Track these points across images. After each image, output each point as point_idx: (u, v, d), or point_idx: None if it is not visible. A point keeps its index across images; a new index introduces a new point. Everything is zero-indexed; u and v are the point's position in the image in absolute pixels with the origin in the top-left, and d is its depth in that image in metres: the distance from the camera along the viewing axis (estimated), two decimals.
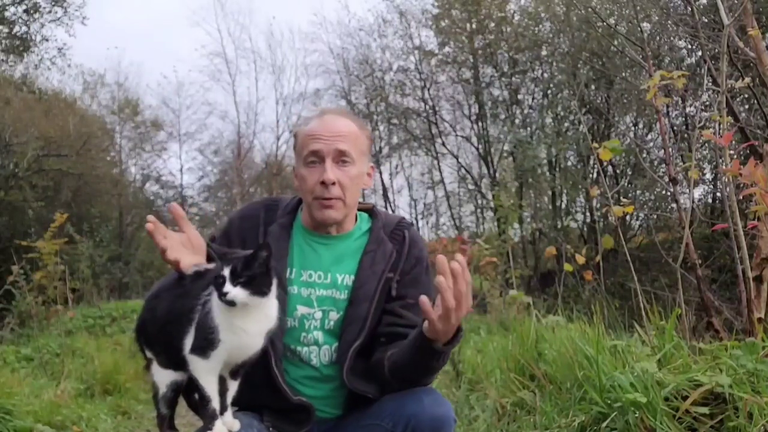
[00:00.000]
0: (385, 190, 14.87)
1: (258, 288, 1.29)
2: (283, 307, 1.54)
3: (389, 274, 1.61)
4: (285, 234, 1.64)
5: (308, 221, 1.66)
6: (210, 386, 1.34)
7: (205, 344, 1.31)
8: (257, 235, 1.62)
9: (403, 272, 1.63)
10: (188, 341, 1.34)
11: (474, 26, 12.90)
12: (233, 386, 1.40)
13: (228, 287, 1.27)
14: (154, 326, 1.43)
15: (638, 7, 7.51)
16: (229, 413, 1.39)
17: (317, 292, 1.61)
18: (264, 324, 1.35)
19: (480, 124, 13.43)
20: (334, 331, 1.60)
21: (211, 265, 1.46)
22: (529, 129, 12.37)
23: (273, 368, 1.52)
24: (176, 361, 1.37)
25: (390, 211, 14.30)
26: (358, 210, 1.73)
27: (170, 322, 1.39)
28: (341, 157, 1.59)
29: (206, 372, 1.33)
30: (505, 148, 13.01)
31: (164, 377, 1.41)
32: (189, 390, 1.41)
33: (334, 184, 1.57)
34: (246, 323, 1.32)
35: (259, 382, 1.49)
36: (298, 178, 1.64)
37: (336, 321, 1.60)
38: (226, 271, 1.28)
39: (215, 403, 1.34)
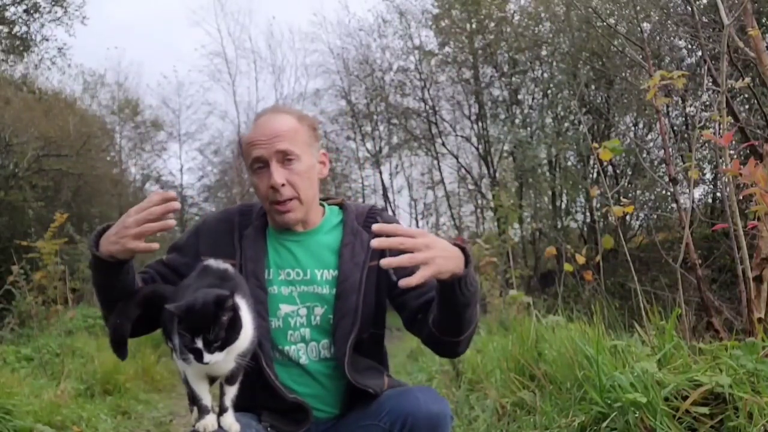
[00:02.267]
0: (385, 190, 14.91)
1: (232, 340, 1.27)
2: (265, 308, 1.55)
3: (371, 263, 1.61)
4: (261, 236, 1.64)
5: (274, 224, 1.67)
6: (199, 388, 1.35)
7: (184, 359, 1.31)
8: (232, 240, 1.63)
9: (392, 255, 1.63)
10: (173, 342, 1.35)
11: (474, 26, 12.92)
12: (231, 390, 1.40)
13: (207, 357, 1.25)
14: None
15: (638, 7, 7.51)
16: (229, 414, 1.39)
17: (298, 289, 1.61)
18: (230, 353, 1.32)
19: (480, 124, 13.45)
20: (322, 326, 1.60)
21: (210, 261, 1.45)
22: (529, 129, 12.38)
23: (264, 369, 1.52)
24: None
25: (390, 211, 14.34)
26: (329, 204, 1.73)
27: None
28: (285, 157, 1.58)
29: (192, 376, 1.35)
30: (505, 148, 13.03)
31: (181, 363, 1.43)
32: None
33: (283, 185, 1.57)
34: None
35: (253, 384, 1.50)
36: (253, 186, 1.64)
37: (322, 316, 1.60)
38: (199, 343, 1.24)
39: (206, 401, 1.35)
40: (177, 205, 1.41)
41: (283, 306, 1.60)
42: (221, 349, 1.25)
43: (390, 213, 1.88)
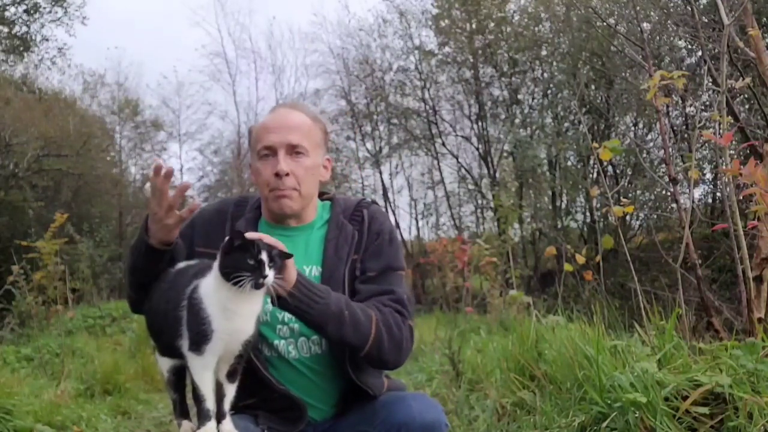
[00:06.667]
0: (385, 190, 14.85)
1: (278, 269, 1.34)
2: None
3: (354, 257, 1.62)
4: (251, 228, 1.64)
5: (268, 215, 1.67)
6: (205, 385, 1.35)
7: (199, 338, 1.32)
8: (224, 230, 1.63)
9: (366, 249, 1.64)
10: (181, 337, 1.36)
11: (474, 26, 12.91)
12: (230, 390, 1.40)
13: (267, 271, 1.30)
14: (152, 318, 1.49)
15: (638, 7, 7.50)
16: (228, 421, 1.38)
17: None
18: (255, 304, 1.38)
19: (480, 124, 13.43)
20: None
21: (192, 262, 1.49)
22: (529, 129, 12.37)
23: (253, 360, 1.52)
24: (170, 351, 1.42)
25: (390, 211, 14.32)
26: (321, 200, 1.74)
27: (161, 316, 1.43)
28: (294, 149, 1.61)
29: (201, 368, 1.35)
30: (505, 148, 13.01)
31: (164, 363, 1.48)
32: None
33: (287, 175, 1.58)
34: (239, 306, 1.34)
35: (244, 381, 1.49)
36: (253, 173, 1.66)
37: None
38: (264, 255, 1.30)
39: (209, 404, 1.35)
40: (167, 166, 1.48)
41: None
42: (273, 270, 1.31)
43: (381, 207, 1.92)
